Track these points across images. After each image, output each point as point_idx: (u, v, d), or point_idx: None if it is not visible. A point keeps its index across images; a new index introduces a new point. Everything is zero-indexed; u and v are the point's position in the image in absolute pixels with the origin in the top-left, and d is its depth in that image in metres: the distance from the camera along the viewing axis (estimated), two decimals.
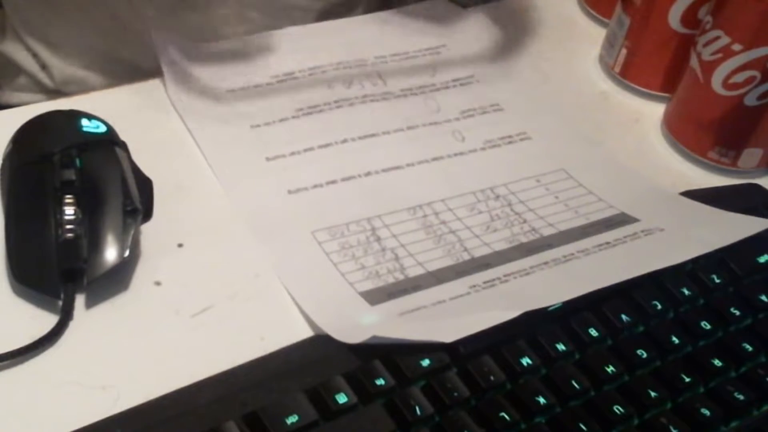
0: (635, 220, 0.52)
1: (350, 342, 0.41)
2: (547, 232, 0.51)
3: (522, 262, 0.48)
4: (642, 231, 0.51)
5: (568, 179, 0.55)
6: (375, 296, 0.46)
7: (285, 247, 0.48)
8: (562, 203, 0.53)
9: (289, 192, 0.51)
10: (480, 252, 0.49)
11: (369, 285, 0.46)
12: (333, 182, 0.52)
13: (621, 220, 0.52)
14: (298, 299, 0.45)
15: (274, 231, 0.49)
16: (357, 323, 0.44)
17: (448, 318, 0.44)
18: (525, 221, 0.51)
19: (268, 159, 0.52)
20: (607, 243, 0.50)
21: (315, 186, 0.51)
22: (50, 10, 0.68)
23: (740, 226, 0.49)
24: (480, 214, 0.51)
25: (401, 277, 0.47)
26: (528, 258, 0.49)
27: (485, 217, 0.51)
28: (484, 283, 0.47)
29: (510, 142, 0.57)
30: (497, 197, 0.53)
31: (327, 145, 0.54)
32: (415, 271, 0.47)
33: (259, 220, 0.49)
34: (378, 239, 0.49)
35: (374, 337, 0.41)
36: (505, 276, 0.47)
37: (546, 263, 0.48)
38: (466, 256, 0.49)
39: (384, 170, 0.53)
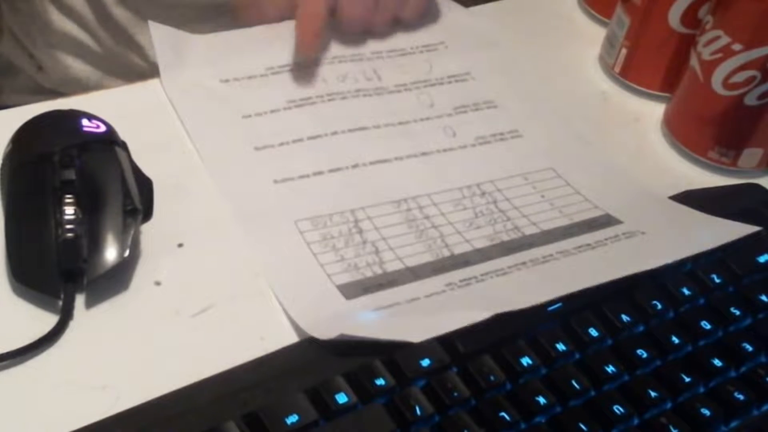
0: (618, 222, 0.52)
1: (320, 338, 0.41)
2: (529, 231, 0.51)
3: (500, 261, 0.48)
4: (623, 234, 0.51)
5: (556, 178, 0.55)
6: (351, 290, 0.46)
7: (268, 235, 0.48)
8: (548, 202, 0.53)
9: (275, 181, 0.51)
10: (460, 249, 0.49)
11: (346, 278, 0.46)
12: (319, 173, 0.52)
13: (604, 221, 0.52)
14: (275, 289, 0.45)
15: (259, 219, 0.48)
16: (330, 317, 0.44)
17: (421, 316, 0.44)
18: (508, 219, 0.51)
19: (256, 148, 0.52)
20: (588, 245, 0.50)
21: (301, 176, 0.51)
22: (47, 10, 0.68)
23: (724, 232, 0.49)
24: (464, 210, 0.51)
25: (379, 271, 0.47)
26: (507, 257, 0.49)
27: (469, 214, 0.51)
28: (461, 281, 0.47)
29: (501, 140, 0.56)
30: (483, 194, 0.53)
31: (316, 137, 0.54)
32: (393, 266, 0.47)
33: (245, 209, 0.49)
34: (360, 231, 0.49)
35: (342, 335, 0.41)
36: (482, 275, 0.47)
37: (524, 263, 0.48)
38: (445, 253, 0.49)
39: (371, 163, 0.53)
